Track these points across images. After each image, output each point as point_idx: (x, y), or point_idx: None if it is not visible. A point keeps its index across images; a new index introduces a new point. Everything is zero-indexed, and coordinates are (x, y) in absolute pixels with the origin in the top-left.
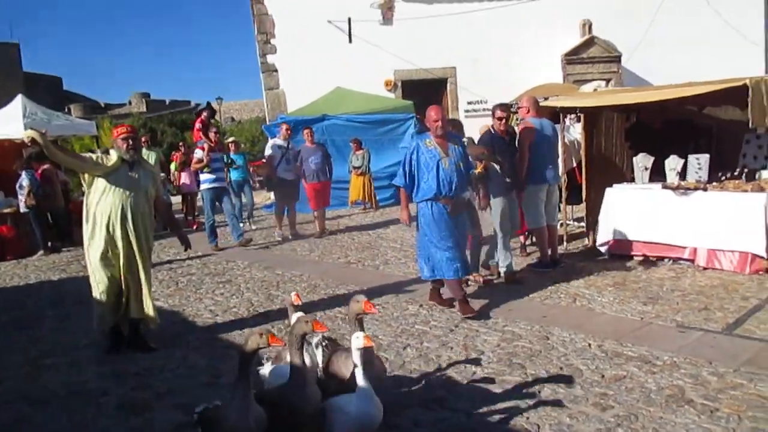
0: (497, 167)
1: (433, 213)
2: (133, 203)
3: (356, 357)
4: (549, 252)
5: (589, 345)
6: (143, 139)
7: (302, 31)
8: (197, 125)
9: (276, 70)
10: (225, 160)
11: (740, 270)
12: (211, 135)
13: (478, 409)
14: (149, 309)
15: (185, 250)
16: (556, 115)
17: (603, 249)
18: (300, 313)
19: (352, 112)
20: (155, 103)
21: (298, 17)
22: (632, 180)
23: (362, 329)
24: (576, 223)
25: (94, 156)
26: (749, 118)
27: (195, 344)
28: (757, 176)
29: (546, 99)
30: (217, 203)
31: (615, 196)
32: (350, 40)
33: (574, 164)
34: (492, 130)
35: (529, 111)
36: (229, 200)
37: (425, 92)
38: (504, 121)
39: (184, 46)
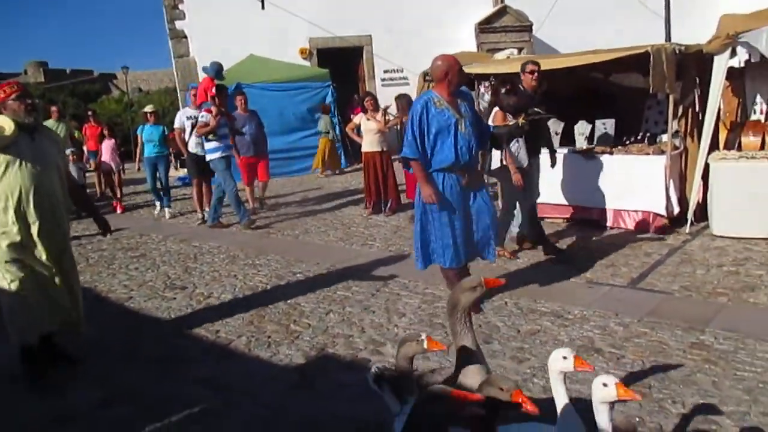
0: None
1: (444, 187)
2: (46, 180)
3: (603, 413)
4: None
5: (506, 303)
6: (54, 110)
7: None
8: (205, 88)
9: (185, 37)
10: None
11: (646, 228)
12: (220, 99)
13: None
14: (78, 311)
15: (105, 234)
16: (471, 82)
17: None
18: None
19: (268, 81)
20: (54, 72)
21: None
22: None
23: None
24: (490, 189)
25: None
26: (650, 84)
27: (107, 320)
28: (658, 140)
29: (461, 66)
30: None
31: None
32: (263, 7)
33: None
34: (521, 87)
35: None
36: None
37: (341, 61)
38: (535, 75)
39: (84, 11)
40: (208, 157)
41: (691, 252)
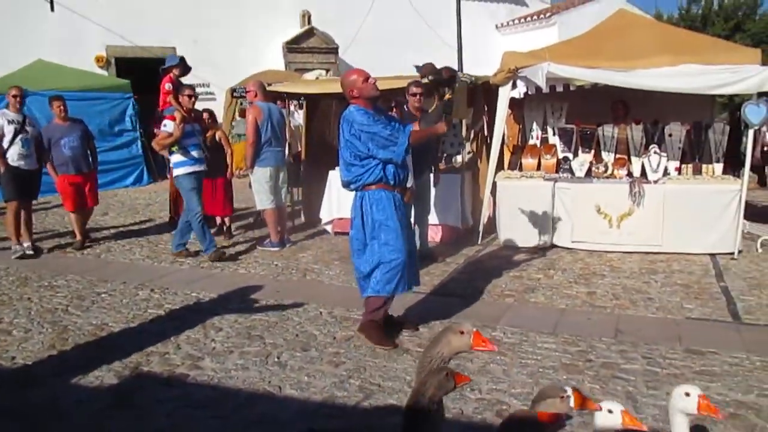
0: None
1: (395, 204)
2: None
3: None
4: (279, 231)
5: (321, 313)
6: None
7: None
8: (166, 86)
9: None
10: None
11: (445, 240)
12: (184, 99)
13: (221, 380)
14: None
15: None
16: (281, 100)
17: (328, 228)
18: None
19: (59, 89)
20: None
21: None
22: None
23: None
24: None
25: None
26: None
27: None
28: (453, 160)
29: (270, 85)
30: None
31: (337, 178)
32: (52, 9)
33: (300, 148)
34: (406, 108)
35: (256, 95)
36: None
37: (143, 71)
38: (418, 97)
39: None
40: (176, 173)
41: (483, 260)
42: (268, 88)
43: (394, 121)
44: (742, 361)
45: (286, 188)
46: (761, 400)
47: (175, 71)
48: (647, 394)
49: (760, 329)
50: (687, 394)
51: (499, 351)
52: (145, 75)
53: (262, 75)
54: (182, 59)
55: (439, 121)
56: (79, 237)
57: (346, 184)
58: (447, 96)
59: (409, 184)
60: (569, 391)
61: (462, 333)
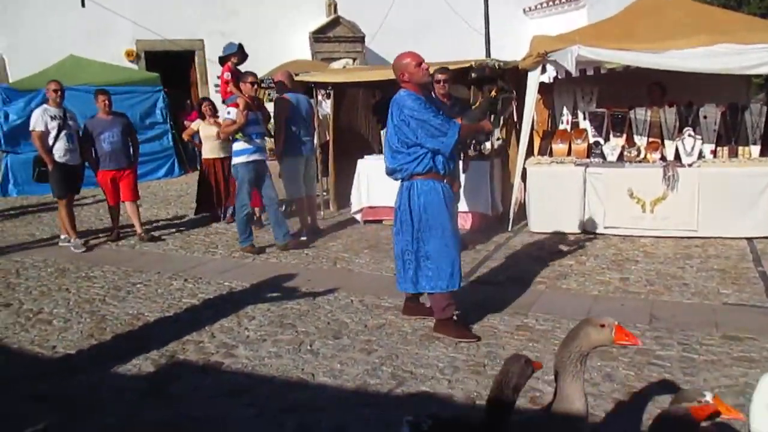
0: None
1: (444, 194)
2: None
3: None
4: (309, 221)
5: (352, 301)
6: None
7: None
8: (225, 75)
9: None
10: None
11: (475, 227)
12: (246, 86)
13: (255, 368)
14: None
15: None
16: (309, 90)
17: (357, 216)
18: None
19: (92, 83)
20: None
21: None
22: (380, 152)
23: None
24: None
25: None
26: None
27: None
28: (482, 147)
29: (297, 75)
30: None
31: (366, 166)
32: (83, 4)
33: (328, 137)
34: (433, 95)
35: (284, 85)
36: (272, 182)
37: (172, 65)
38: (442, 83)
39: None
40: (234, 161)
41: (514, 247)
42: (295, 78)
43: (442, 111)
44: None
45: (316, 178)
46: None
47: (234, 59)
48: (684, 381)
49: None
50: None
51: (531, 338)
52: (174, 67)
53: (289, 65)
54: (240, 46)
55: (483, 117)
56: (138, 230)
57: (391, 172)
58: (493, 93)
59: None
60: (708, 396)
61: (602, 326)
